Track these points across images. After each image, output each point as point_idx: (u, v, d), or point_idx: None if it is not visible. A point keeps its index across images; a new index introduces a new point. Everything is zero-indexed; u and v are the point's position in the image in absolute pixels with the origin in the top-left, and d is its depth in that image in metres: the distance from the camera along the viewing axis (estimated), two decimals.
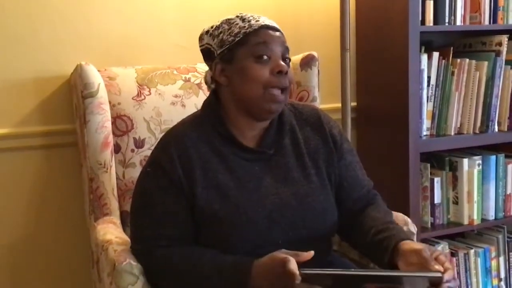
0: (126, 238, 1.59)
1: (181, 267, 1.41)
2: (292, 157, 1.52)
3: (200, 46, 1.53)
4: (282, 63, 1.45)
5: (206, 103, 1.55)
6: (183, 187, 1.43)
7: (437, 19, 2.20)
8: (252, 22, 1.46)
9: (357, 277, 1.29)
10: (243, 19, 1.47)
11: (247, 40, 1.44)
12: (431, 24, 2.19)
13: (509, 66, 2.31)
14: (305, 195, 1.48)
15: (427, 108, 2.23)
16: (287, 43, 1.49)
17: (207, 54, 1.52)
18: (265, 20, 1.48)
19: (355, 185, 1.60)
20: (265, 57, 1.44)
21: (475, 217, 2.33)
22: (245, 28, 1.45)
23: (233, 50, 1.45)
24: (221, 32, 1.47)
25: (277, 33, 1.47)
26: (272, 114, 1.49)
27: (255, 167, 1.48)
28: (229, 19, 1.49)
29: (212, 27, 1.50)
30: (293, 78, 1.52)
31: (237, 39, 1.45)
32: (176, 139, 1.48)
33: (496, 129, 2.33)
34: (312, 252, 1.30)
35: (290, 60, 1.50)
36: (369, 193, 1.64)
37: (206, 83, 1.55)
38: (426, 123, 2.24)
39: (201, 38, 1.53)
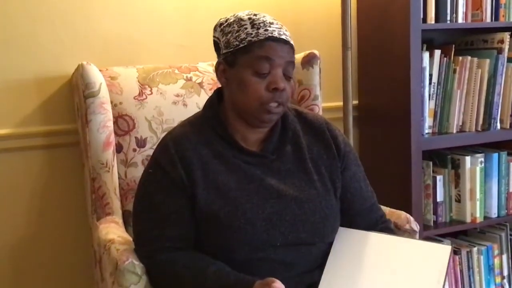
0: (128, 237, 1.58)
1: (184, 275, 1.40)
2: (294, 164, 1.51)
3: (213, 36, 1.51)
4: (280, 80, 1.41)
5: (207, 104, 1.54)
6: (184, 187, 1.43)
7: (439, 16, 2.20)
8: (261, 30, 1.41)
9: None
10: (253, 25, 1.42)
11: (250, 49, 1.41)
12: (433, 21, 2.18)
13: (511, 64, 2.31)
14: (306, 200, 1.47)
15: (429, 106, 2.22)
16: (293, 57, 1.46)
17: (216, 48, 1.51)
18: (274, 31, 1.42)
19: (358, 197, 1.59)
20: (264, 72, 1.41)
21: (477, 215, 2.33)
22: (252, 36, 1.41)
23: (236, 55, 1.43)
24: (230, 32, 1.44)
25: (284, 47, 1.43)
26: (265, 124, 1.47)
27: (256, 170, 1.47)
28: (241, 19, 1.44)
29: (226, 20, 1.47)
30: (290, 93, 1.47)
31: (241, 45, 1.42)
32: (176, 140, 1.47)
33: (499, 127, 2.33)
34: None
35: (291, 76, 1.46)
36: (373, 211, 1.63)
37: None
38: (428, 121, 2.23)
39: (215, 29, 1.50)
